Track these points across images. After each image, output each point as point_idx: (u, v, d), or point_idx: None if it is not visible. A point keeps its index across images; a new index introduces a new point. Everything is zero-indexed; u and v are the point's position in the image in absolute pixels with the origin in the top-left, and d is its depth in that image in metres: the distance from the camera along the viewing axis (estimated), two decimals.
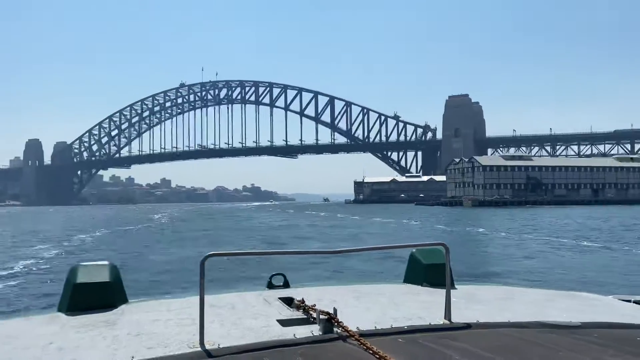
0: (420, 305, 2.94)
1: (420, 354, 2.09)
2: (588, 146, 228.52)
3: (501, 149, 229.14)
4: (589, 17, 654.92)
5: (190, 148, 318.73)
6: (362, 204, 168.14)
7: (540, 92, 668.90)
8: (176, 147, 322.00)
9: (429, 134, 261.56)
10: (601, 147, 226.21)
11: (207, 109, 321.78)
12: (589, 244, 27.37)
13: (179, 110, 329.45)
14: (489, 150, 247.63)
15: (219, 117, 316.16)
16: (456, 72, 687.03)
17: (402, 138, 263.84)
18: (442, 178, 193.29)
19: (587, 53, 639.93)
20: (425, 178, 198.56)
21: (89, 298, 2.91)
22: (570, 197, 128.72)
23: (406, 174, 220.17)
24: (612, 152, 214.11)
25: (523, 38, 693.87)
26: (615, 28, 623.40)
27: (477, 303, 3.10)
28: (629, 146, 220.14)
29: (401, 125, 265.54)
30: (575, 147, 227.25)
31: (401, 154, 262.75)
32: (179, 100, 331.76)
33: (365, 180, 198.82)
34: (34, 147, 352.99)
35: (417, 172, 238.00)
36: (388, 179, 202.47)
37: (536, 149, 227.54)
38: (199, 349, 2.14)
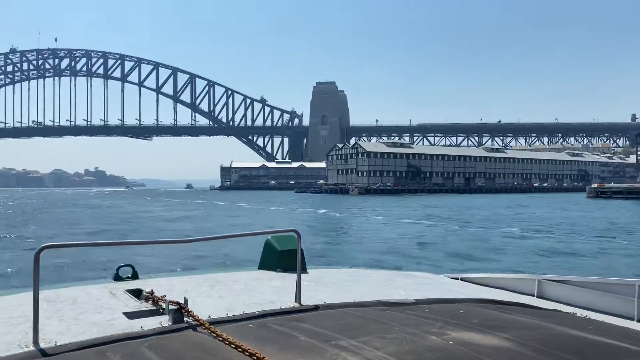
0: (272, 290, 3.04)
1: (269, 336, 2.16)
2: (441, 138, 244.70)
3: (364, 137, 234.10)
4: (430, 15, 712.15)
5: (23, 124, 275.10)
6: (230, 191, 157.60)
7: (394, 88, 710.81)
8: (4, 123, 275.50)
9: (296, 120, 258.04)
10: (453, 139, 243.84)
11: (44, 80, 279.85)
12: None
13: (9, 80, 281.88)
14: (353, 139, 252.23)
15: (59, 91, 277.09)
16: (323, 61, 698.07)
17: (268, 123, 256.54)
18: (314, 165, 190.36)
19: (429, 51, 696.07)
20: (295, 164, 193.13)
21: None
22: (446, 185, 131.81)
23: (276, 160, 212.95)
24: (463, 144, 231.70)
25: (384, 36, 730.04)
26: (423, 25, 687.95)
27: (325, 286, 3.29)
28: (476, 139, 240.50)
29: (267, 110, 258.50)
30: (431, 139, 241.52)
31: (267, 139, 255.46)
32: (9, 69, 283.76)
33: (232, 166, 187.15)
34: None
35: (283, 159, 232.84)
36: (257, 165, 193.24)
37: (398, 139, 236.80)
38: (32, 348, 1.99)
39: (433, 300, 2.98)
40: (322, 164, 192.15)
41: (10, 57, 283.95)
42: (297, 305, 2.67)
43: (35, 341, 2.02)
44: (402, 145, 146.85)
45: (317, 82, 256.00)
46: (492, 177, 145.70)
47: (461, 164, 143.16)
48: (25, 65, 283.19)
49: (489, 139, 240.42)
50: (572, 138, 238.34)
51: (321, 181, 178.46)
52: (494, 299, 3.16)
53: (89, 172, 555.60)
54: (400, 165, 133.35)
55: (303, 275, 2.85)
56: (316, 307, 2.63)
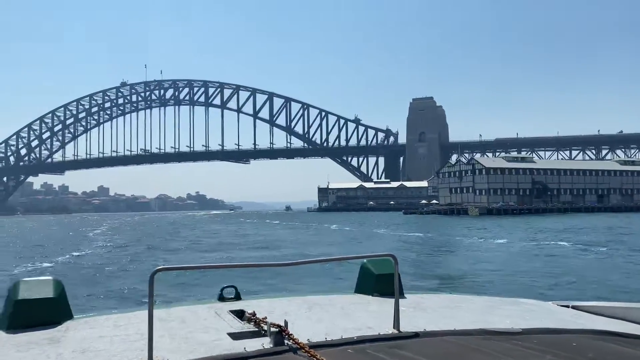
0: (370, 315, 2.97)
1: None
2: (553, 152, 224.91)
3: (466, 154, 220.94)
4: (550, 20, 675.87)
5: (132, 152, 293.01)
6: (329, 212, 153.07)
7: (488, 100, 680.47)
8: (116, 152, 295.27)
9: (391, 139, 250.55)
10: (566, 153, 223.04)
11: (151, 111, 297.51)
12: None
13: (120, 112, 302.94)
14: (454, 157, 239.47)
15: (164, 119, 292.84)
16: (417, 76, 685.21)
17: (362, 143, 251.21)
18: (415, 184, 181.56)
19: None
20: (395, 184, 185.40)
21: (32, 315, 2.76)
22: (577, 204, 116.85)
23: (374, 180, 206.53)
24: (578, 158, 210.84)
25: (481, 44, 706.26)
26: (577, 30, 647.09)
27: (424, 312, 3.17)
28: (594, 152, 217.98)
29: (361, 129, 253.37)
30: (541, 153, 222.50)
31: (362, 159, 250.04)
32: (120, 101, 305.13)
33: (329, 187, 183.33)
34: None
35: (378, 178, 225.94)
36: (355, 185, 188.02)
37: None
38: None
39: (542, 330, 2.71)
40: (424, 183, 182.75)
41: (121, 90, 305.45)
42: (395, 331, 2.57)
43: (150, 358, 2.11)
44: (523, 159, 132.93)
45: (413, 98, 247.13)
46: (630, 194, 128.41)
47: (593, 179, 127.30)
48: (134, 97, 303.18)
49: (608, 152, 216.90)
50: None
51: (423, 201, 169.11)
52: (613, 331, 2.80)
53: (191, 196, 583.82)
54: (523, 182, 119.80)
55: (401, 301, 2.75)
56: (416, 335, 2.52)
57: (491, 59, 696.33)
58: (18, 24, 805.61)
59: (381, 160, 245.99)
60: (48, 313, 2.81)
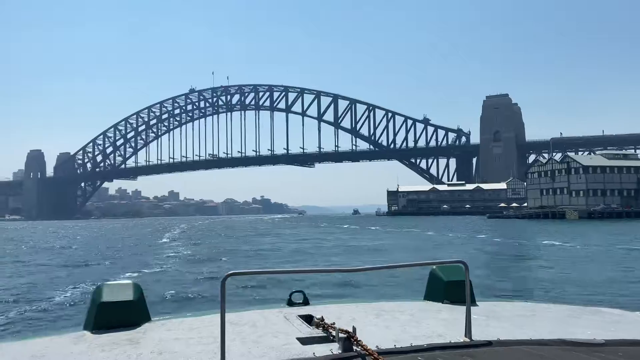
0: (440, 323, 2.93)
1: None
2: None
3: (545, 154, 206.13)
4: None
5: (201, 157, 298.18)
6: (402, 216, 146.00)
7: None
8: (185, 157, 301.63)
9: (463, 139, 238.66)
10: None
11: (218, 116, 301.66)
12: None
13: (189, 118, 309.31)
14: (531, 157, 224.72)
15: (231, 124, 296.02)
16: (489, 74, 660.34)
17: (432, 144, 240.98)
18: (492, 186, 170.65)
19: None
20: (470, 186, 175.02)
21: (114, 317, 2.97)
22: None
23: (447, 183, 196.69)
24: None
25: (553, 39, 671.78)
26: None
27: (498, 320, 3.08)
28: None
29: (431, 129, 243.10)
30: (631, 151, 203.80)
31: (431, 161, 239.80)
32: (189, 107, 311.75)
33: (399, 190, 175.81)
34: (36, 159, 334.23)
35: (449, 181, 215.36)
36: (426, 188, 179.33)
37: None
38: None
39: (627, 342, 2.57)
40: (502, 185, 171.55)
41: (190, 96, 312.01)
42: (467, 340, 2.51)
43: None
44: (625, 157, 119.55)
45: (487, 96, 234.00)
46: None
47: None
48: (202, 104, 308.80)
49: None
50: None
51: (502, 204, 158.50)
52: None
53: (256, 200, 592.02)
54: (627, 181, 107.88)
55: (473, 308, 2.68)
56: (489, 343, 2.45)
57: (569, 55, 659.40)
58: (92, 39, 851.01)
59: (452, 161, 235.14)
60: (128, 315, 2.99)
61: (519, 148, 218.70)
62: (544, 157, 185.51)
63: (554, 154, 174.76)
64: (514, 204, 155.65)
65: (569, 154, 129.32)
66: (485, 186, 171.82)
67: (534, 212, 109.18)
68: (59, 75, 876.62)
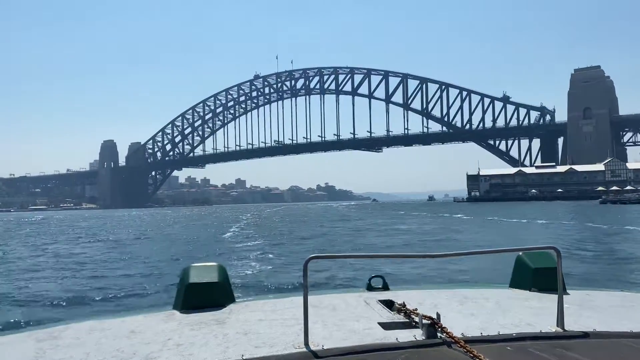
0: (529, 311, 2.80)
1: None
2: None
3: None
4: None
5: (267, 144, 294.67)
6: (485, 202, 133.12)
7: None
8: (251, 144, 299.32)
9: (547, 117, 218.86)
10: None
11: (283, 102, 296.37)
12: None
13: (254, 104, 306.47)
14: (627, 135, 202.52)
15: (296, 110, 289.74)
16: (576, 45, 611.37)
17: (513, 123, 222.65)
18: (587, 168, 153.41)
19: None
20: (562, 168, 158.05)
21: (201, 297, 3.06)
22: None
23: (535, 165, 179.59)
24: None
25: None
26: None
27: (592, 310, 2.90)
28: None
29: (511, 108, 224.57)
30: None
31: (511, 142, 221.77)
32: (254, 94, 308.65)
33: (481, 174, 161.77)
34: (109, 149, 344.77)
35: (532, 163, 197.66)
36: (512, 171, 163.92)
37: None
38: (305, 349, 2.17)
39: None
40: (600, 166, 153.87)
41: (255, 83, 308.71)
42: (559, 330, 2.38)
43: (306, 343, 2.19)
44: None
45: (575, 69, 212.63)
46: None
47: None
48: (266, 90, 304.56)
49: None
50: None
51: (600, 187, 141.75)
52: None
53: (320, 187, 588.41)
54: None
55: (564, 297, 2.55)
56: (585, 334, 2.31)
57: None
58: (158, 28, 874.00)
59: (535, 142, 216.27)
60: (214, 296, 3.08)
61: (613, 125, 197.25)
62: None
63: None
64: (614, 187, 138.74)
65: None
66: (579, 168, 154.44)
67: None
68: (128, 66, 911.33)
